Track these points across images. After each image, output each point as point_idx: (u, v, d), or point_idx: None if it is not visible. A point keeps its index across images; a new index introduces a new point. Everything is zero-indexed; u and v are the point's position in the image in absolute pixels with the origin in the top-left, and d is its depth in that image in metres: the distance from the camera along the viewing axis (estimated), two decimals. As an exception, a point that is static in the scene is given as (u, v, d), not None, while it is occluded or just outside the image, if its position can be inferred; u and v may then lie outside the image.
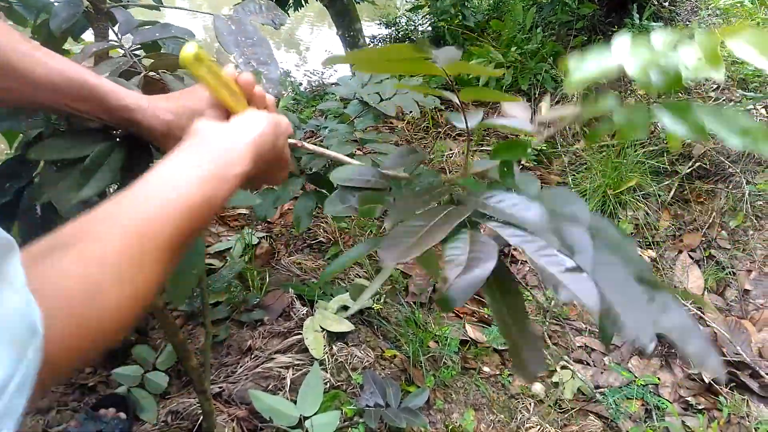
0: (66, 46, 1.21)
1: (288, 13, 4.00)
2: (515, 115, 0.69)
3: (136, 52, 0.88)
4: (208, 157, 0.50)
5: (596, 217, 0.52)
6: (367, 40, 4.58)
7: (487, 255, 0.40)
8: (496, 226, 0.46)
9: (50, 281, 0.38)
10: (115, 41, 0.85)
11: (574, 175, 2.79)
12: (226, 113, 0.65)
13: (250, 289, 1.93)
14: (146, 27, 0.89)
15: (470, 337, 1.99)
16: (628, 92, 3.22)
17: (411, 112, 1.55)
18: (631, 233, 2.48)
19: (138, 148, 0.68)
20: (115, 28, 0.88)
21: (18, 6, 1.27)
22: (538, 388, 1.85)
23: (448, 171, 2.89)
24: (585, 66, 0.53)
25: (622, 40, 0.55)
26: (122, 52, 0.86)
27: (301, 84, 4.08)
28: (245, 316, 1.84)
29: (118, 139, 0.67)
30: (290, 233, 2.33)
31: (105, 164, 0.64)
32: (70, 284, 0.39)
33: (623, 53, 0.52)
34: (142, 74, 0.77)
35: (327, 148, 0.85)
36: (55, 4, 1.02)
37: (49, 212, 0.80)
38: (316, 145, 0.82)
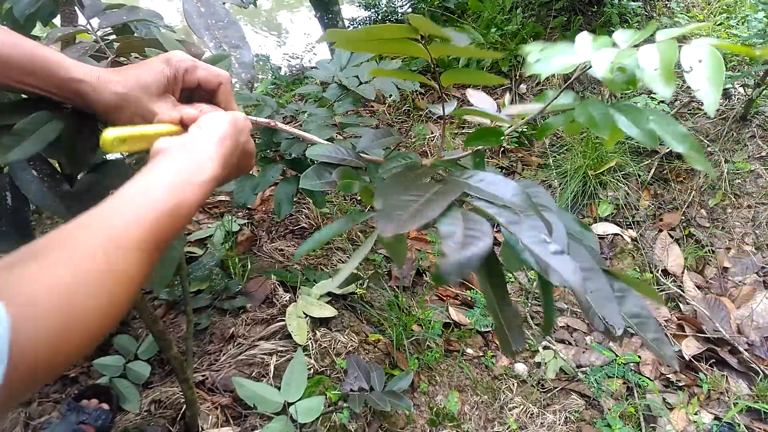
0: (39, 34, 1.18)
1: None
2: (478, 103, 0.71)
3: (108, 37, 0.86)
4: (175, 169, 0.51)
5: (559, 209, 0.54)
6: (347, 23, 4.52)
7: (482, 233, 0.40)
8: (483, 205, 0.46)
9: (18, 288, 0.38)
10: (83, 26, 0.82)
11: (555, 156, 2.80)
12: (175, 89, 0.65)
13: (232, 276, 1.92)
14: (114, 10, 0.86)
15: (453, 320, 2.00)
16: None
17: (391, 95, 1.54)
18: (612, 213, 2.50)
19: (81, 122, 0.66)
20: (84, 12, 0.86)
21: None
22: (520, 368, 1.87)
23: (429, 154, 2.88)
24: (549, 64, 0.55)
25: (584, 38, 0.56)
26: (93, 37, 0.83)
27: (280, 68, 4.03)
28: (227, 304, 1.83)
29: (63, 111, 0.65)
30: (272, 219, 2.31)
31: (38, 132, 0.62)
32: (38, 289, 0.38)
33: (587, 52, 0.53)
34: (110, 58, 0.75)
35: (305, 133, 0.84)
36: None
37: (20, 202, 0.78)
38: (295, 129, 0.81)
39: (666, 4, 3.75)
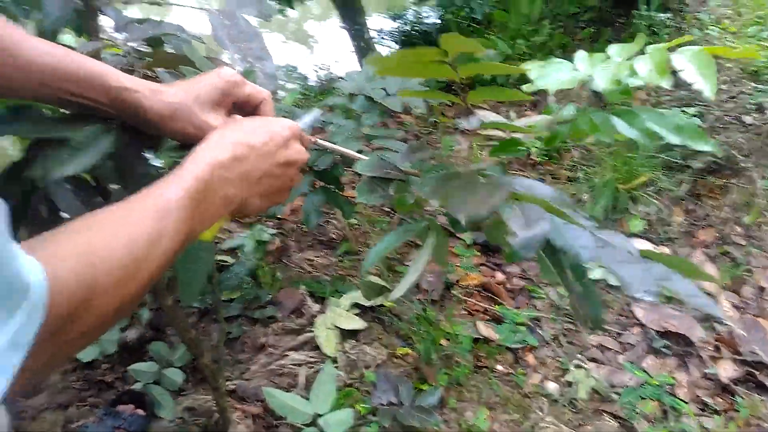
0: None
1: (295, 7, 3.98)
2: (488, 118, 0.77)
3: (137, 51, 0.87)
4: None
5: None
6: (374, 33, 4.55)
7: (541, 218, 0.46)
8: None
9: (54, 245, 0.41)
10: (110, 40, 0.84)
11: (584, 170, 2.78)
12: (225, 103, 0.66)
13: (262, 285, 1.93)
14: (138, 24, 0.88)
15: (482, 335, 1.98)
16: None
17: (417, 107, 1.54)
18: (644, 229, 2.47)
19: (130, 136, 0.66)
20: (111, 26, 0.87)
21: (8, 4, 1.25)
22: (552, 387, 1.85)
23: (456, 164, 2.87)
24: (549, 79, 0.61)
25: (581, 55, 0.62)
26: (122, 51, 0.85)
27: (308, 78, 4.07)
28: (258, 313, 1.84)
29: (111, 126, 0.66)
30: (301, 230, 2.33)
31: (93, 145, 0.63)
32: (74, 246, 0.42)
33: (586, 68, 0.60)
34: (141, 73, 0.76)
35: (334, 144, 0.85)
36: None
37: (54, 215, 0.80)
38: (340, 147, 0.82)
39: (696, 16, 3.71)
